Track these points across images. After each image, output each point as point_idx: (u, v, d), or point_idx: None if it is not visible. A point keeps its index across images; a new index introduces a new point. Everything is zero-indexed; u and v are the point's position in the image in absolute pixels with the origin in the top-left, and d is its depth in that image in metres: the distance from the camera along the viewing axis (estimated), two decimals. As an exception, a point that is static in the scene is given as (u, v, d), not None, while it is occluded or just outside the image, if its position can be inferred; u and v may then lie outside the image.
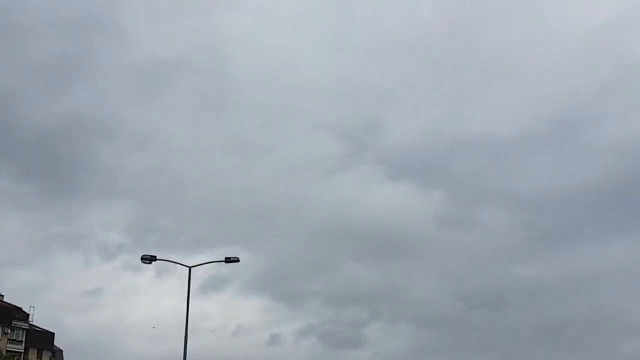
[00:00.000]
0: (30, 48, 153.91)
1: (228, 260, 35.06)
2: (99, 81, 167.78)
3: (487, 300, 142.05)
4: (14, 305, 76.67)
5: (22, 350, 75.08)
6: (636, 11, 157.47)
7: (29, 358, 75.56)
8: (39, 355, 77.93)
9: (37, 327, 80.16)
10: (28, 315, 79.57)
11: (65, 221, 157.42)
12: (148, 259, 34.15)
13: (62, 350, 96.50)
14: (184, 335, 33.36)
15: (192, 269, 34.27)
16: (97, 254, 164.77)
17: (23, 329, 76.17)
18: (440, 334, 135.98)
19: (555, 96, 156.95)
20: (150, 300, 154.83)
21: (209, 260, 35.52)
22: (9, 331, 73.36)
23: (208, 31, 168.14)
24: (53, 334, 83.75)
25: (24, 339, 75.74)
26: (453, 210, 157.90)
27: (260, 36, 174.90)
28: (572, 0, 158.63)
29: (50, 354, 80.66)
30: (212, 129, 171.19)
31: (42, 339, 79.38)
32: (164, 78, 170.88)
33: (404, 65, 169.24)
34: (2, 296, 77.80)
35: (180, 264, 34.83)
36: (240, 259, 35.05)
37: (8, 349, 71.56)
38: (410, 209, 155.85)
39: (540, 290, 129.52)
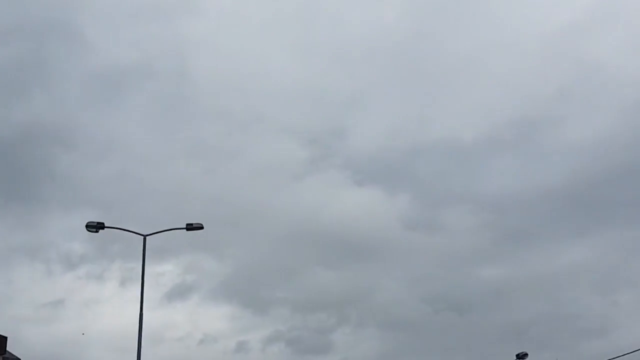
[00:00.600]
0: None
1: (190, 227, 30.05)
2: (57, 88, 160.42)
3: (453, 303, 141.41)
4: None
5: (-32, 356, 68.62)
6: (593, 14, 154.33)
7: (-24, 364, 69.14)
8: (-11, 361, 71.54)
9: (-14, 330, 73.81)
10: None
11: (25, 231, 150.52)
12: (94, 227, 28.98)
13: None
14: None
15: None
16: (59, 264, 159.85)
17: (-32, 331, 69.71)
18: (407, 337, 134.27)
19: (516, 99, 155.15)
20: (115, 310, 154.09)
21: (168, 228, 30.43)
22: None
23: (170, 36, 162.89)
24: (5, 338, 77.16)
25: (-31, 343, 69.28)
26: (418, 213, 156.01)
27: (223, 41, 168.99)
28: (530, 5, 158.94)
29: None
30: (175, 135, 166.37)
31: (-8, 343, 72.86)
32: (125, 84, 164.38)
33: (368, 71, 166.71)
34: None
35: (134, 232, 29.75)
36: (203, 227, 30.03)
37: (-49, 354, 65.15)
38: (376, 213, 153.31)
39: (506, 291, 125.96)
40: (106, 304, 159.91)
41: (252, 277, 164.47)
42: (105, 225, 29.20)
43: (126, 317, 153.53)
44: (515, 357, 38.60)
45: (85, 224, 28.91)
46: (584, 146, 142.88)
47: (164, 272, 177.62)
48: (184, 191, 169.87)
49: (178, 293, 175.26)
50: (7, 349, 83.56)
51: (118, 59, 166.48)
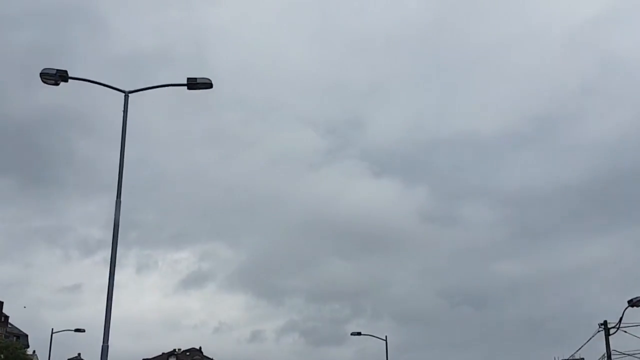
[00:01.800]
0: (7, 38, 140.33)
1: (192, 83, 20.79)
2: (78, 72, 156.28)
3: (469, 297, 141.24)
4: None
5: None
6: (618, 9, 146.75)
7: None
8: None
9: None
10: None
11: (44, 216, 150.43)
12: (53, 76, 19.84)
13: (27, 335, 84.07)
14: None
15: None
16: (77, 249, 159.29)
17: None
18: (423, 330, 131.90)
19: (538, 93, 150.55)
20: (132, 297, 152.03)
21: (158, 85, 21.37)
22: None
23: (190, 23, 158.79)
24: (1, 302, 69.79)
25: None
26: (436, 206, 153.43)
27: (244, 29, 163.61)
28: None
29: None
30: (193, 122, 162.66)
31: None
32: (144, 70, 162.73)
33: (389, 61, 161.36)
34: None
35: (112, 87, 20.72)
36: (212, 84, 20.74)
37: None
38: (394, 205, 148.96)
39: (522, 286, 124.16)
40: (123, 290, 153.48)
41: (267, 266, 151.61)
42: (70, 75, 20.02)
43: (143, 304, 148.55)
44: (627, 303, 28.99)
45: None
46: (605, 142, 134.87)
47: (180, 260, 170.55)
48: (202, 178, 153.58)
49: (193, 281, 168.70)
50: (11, 322, 75.79)
51: (138, 45, 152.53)
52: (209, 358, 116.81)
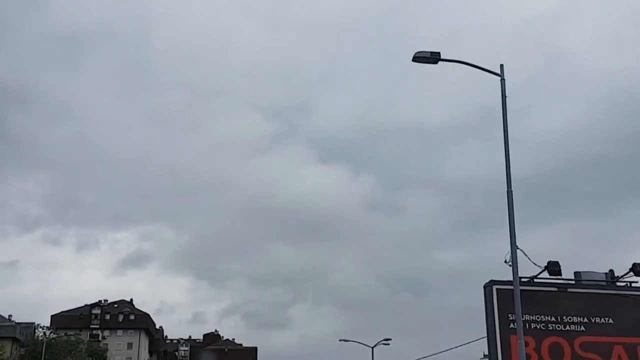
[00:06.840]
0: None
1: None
2: (16, 46, 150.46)
3: (411, 285, 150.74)
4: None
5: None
6: (566, 5, 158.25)
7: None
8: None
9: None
10: None
11: None
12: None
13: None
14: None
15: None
16: (14, 224, 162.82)
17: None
18: (364, 317, 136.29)
19: (485, 85, 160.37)
20: (71, 276, 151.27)
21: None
22: None
23: (135, 2, 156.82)
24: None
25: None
26: (381, 195, 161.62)
27: (192, 10, 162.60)
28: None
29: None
30: (135, 102, 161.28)
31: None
32: (86, 47, 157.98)
33: (339, 49, 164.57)
34: None
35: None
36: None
37: None
38: (339, 192, 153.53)
39: (464, 275, 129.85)
40: (63, 268, 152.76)
41: (209, 249, 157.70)
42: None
43: (83, 283, 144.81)
44: None
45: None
46: (549, 135, 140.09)
47: (120, 239, 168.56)
48: (143, 159, 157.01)
49: (135, 261, 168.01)
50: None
51: (80, 20, 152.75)
52: (140, 311, 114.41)
